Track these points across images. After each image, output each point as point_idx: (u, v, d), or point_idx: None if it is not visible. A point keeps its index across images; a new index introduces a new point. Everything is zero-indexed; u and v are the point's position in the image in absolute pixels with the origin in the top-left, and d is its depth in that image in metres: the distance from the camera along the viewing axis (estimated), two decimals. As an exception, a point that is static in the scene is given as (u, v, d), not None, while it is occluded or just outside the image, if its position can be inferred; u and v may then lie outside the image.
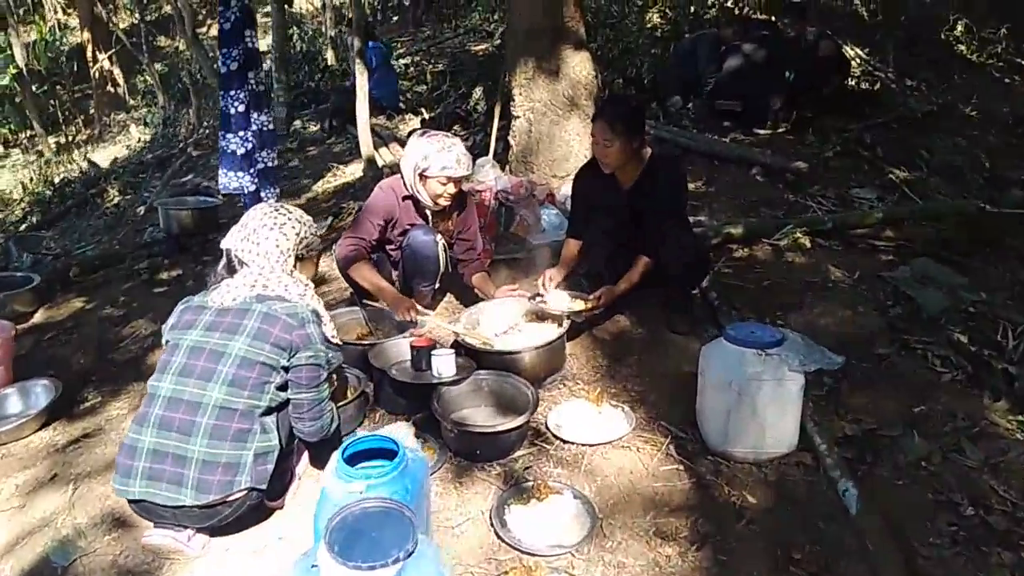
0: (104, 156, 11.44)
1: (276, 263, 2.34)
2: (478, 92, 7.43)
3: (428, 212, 3.53)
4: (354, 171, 6.56)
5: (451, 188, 3.39)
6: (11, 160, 13.25)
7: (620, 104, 3.30)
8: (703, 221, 4.51)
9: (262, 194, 2.72)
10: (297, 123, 8.94)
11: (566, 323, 3.20)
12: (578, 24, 4.73)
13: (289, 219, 2.38)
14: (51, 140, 13.65)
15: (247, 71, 2.47)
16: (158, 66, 15.83)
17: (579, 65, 4.73)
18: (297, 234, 2.38)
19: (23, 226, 8.46)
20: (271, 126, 2.61)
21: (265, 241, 2.34)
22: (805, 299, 3.67)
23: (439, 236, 3.50)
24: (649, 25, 8.57)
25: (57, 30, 16.41)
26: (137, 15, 17.34)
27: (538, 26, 4.66)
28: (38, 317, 4.62)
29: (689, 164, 5.72)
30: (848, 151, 5.80)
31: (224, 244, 2.40)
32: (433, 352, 2.81)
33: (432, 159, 3.30)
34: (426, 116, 7.45)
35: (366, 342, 3.23)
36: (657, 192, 3.28)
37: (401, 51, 11.17)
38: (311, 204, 6.11)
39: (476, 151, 5.93)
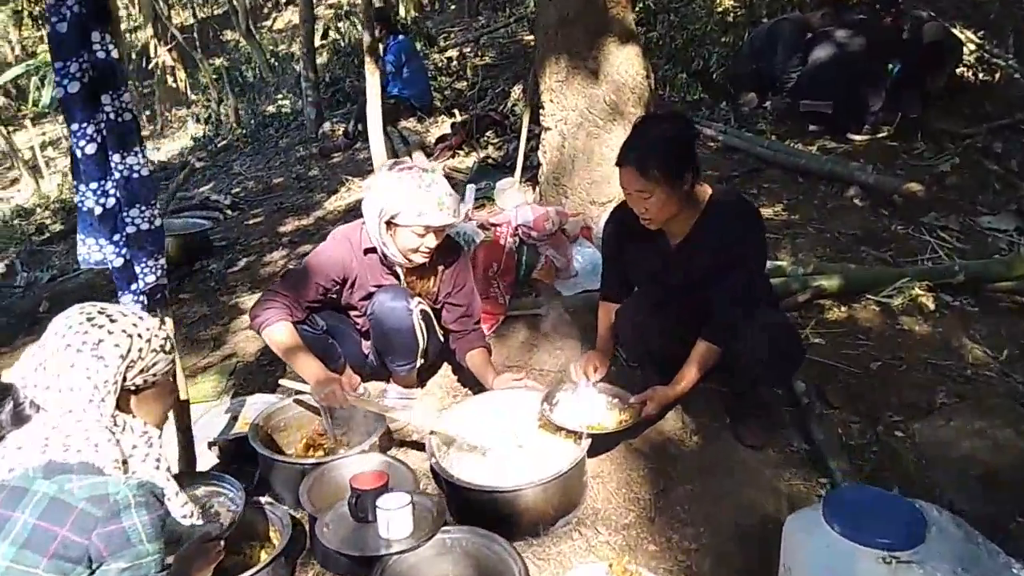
0: (161, 153, 10.94)
1: (88, 406, 1.47)
2: (517, 91, 6.46)
3: (399, 269, 2.62)
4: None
5: (430, 240, 2.48)
6: None
7: (654, 136, 2.19)
8: (783, 266, 3.45)
9: (136, 269, 1.83)
10: (327, 126, 8.17)
11: (586, 442, 2.24)
12: (624, 10, 3.72)
13: (111, 333, 1.50)
14: None
15: (99, 93, 1.57)
16: (219, 61, 15.48)
17: (625, 63, 3.73)
18: (123, 356, 1.50)
19: (43, 236, 7.97)
20: (145, 171, 1.70)
21: (70, 372, 1.47)
22: (934, 395, 2.60)
23: (415, 300, 2.59)
24: (720, 8, 7.40)
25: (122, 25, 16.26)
26: (192, 10, 17.14)
27: (572, 13, 3.67)
28: (-18, 370, 3.93)
29: (765, 182, 4.64)
30: (970, 163, 4.61)
31: (8, 376, 1.54)
32: (380, 504, 1.90)
33: (404, 202, 2.40)
34: (457, 119, 6.54)
35: (307, 460, 2.34)
36: (722, 249, 2.28)
37: (449, 42, 10.28)
38: (319, 226, 5.30)
39: (509, 164, 4.99)
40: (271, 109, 10.91)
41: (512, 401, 2.47)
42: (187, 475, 2.07)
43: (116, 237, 1.86)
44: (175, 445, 2.24)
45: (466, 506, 2.17)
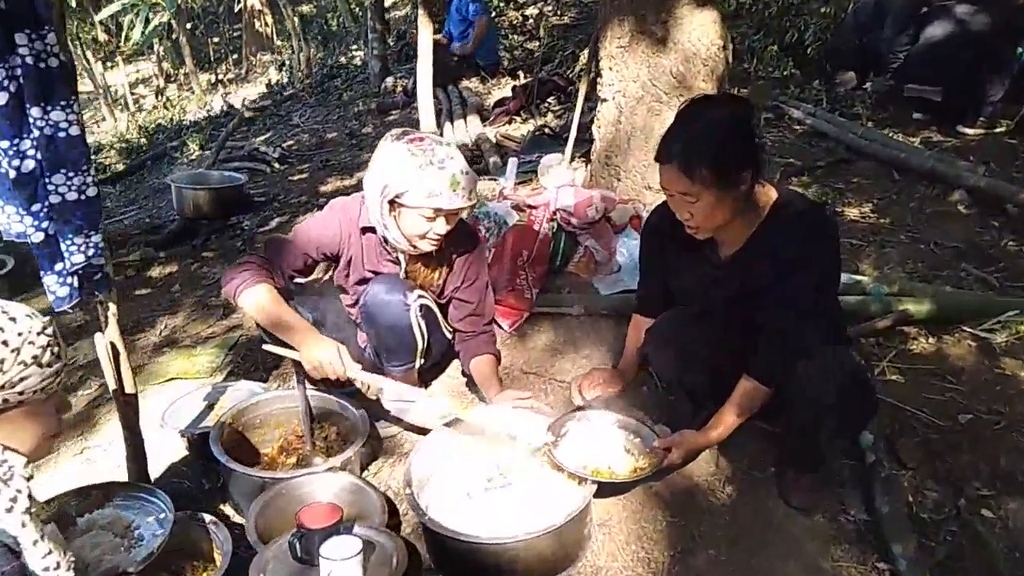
0: (236, 98, 10.87)
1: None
2: (585, 55, 5.95)
3: (400, 255, 2.27)
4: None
5: (440, 226, 2.11)
6: (166, 95, 13.11)
7: (703, 124, 1.72)
8: (862, 282, 2.93)
9: (61, 247, 1.53)
10: (389, 81, 7.84)
11: (591, 488, 1.86)
12: (703, -32, 3.20)
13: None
14: (203, 78, 13.49)
15: (12, 31, 1.26)
16: (306, 8, 15.37)
17: (699, 30, 3.21)
18: None
19: (102, 176, 7.99)
20: (75, 129, 1.39)
21: (-92, 388, 1.18)
22: (1042, 467, 2.09)
23: (415, 294, 2.23)
24: (823, -25, 6.65)
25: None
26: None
27: (641, -31, 3.18)
28: None
29: (854, 176, 4.06)
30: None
31: None
32: (323, 551, 1.57)
33: (413, 179, 2.03)
34: (520, 82, 6.08)
35: (264, 474, 2.03)
36: (783, 266, 1.83)
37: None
38: (360, 187, 4.99)
39: (566, 135, 4.55)
40: (343, 60, 10.68)
41: (512, 424, 2.09)
42: (107, 488, 1.79)
43: (36, 207, 1.56)
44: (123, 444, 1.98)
45: (443, 554, 1.84)
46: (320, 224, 2.23)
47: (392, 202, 2.11)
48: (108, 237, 4.77)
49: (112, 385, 1.84)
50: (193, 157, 7.47)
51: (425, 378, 2.62)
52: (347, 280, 2.32)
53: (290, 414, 2.31)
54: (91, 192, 1.61)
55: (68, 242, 1.60)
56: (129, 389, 1.89)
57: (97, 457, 2.49)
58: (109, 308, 1.79)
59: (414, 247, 2.19)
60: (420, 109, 4.73)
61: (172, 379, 2.87)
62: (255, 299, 2.08)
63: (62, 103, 1.52)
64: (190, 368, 2.92)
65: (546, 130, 4.83)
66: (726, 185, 1.72)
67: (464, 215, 2.24)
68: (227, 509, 2.12)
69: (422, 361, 2.39)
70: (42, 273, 1.63)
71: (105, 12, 13.19)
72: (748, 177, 1.75)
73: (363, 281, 2.29)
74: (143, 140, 9.11)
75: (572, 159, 3.89)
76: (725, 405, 1.93)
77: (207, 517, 1.85)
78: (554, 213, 3.14)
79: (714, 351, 2.00)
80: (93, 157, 8.92)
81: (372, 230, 2.22)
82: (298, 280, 2.34)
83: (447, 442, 2.11)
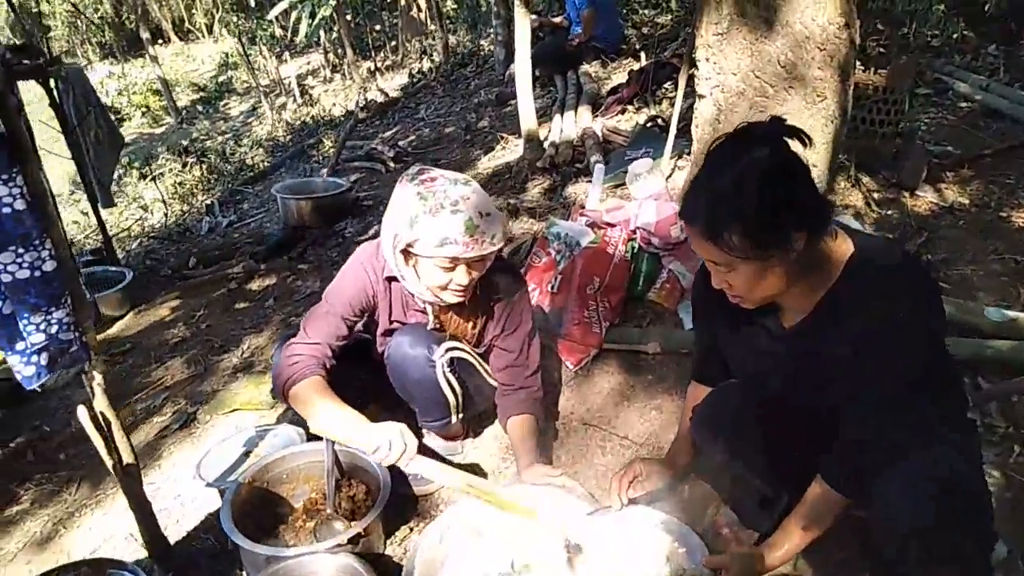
0: (388, 86, 11.08)
1: None
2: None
3: (427, 305, 2.03)
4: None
5: (461, 276, 1.85)
6: (332, 86, 13.68)
7: (733, 176, 1.31)
8: (1021, 320, 2.31)
9: (20, 326, 1.44)
10: (513, 69, 7.57)
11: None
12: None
13: None
14: (365, 65, 13.98)
15: None
16: (461, -8, 15.43)
17: (812, 6, 2.67)
18: None
19: (248, 174, 8.41)
20: (20, 203, 1.29)
21: None
22: None
23: (442, 348, 1.99)
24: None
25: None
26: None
27: (739, -59, 2.68)
28: (116, 327, 4.05)
29: (1010, 171, 3.30)
30: None
31: None
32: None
33: (422, 227, 1.79)
34: (639, 64, 5.60)
35: (269, 550, 1.87)
36: (858, 346, 1.38)
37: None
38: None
39: (681, 127, 4.08)
40: (477, 46, 10.54)
41: (533, 509, 1.79)
42: (97, 566, 1.70)
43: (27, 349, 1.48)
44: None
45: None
46: (349, 279, 2.04)
47: (406, 252, 1.87)
48: (231, 243, 5.02)
49: (106, 458, 1.76)
50: (328, 155, 7.66)
51: (473, 428, 2.40)
52: (380, 328, 2.12)
53: (321, 468, 2.16)
54: (47, 267, 1.50)
55: (25, 321, 1.51)
56: (127, 460, 1.80)
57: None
58: (95, 379, 1.69)
59: (440, 299, 1.94)
60: (519, 103, 4.44)
61: (236, 410, 2.84)
62: (302, 395, 1.94)
63: (3, 177, 1.41)
64: (256, 397, 2.88)
65: (658, 121, 4.37)
66: (767, 252, 1.32)
67: (489, 260, 1.95)
68: None
69: (460, 415, 2.16)
70: (3, 353, 1.55)
71: (277, 8, 13.96)
72: (800, 238, 1.33)
73: (389, 333, 2.08)
74: (288, 138, 9.51)
75: (672, 162, 3.45)
76: (791, 516, 1.52)
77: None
78: (633, 232, 2.77)
79: (776, 442, 1.58)
80: (247, 154, 9.37)
81: (396, 279, 2.00)
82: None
83: (461, 525, 1.86)
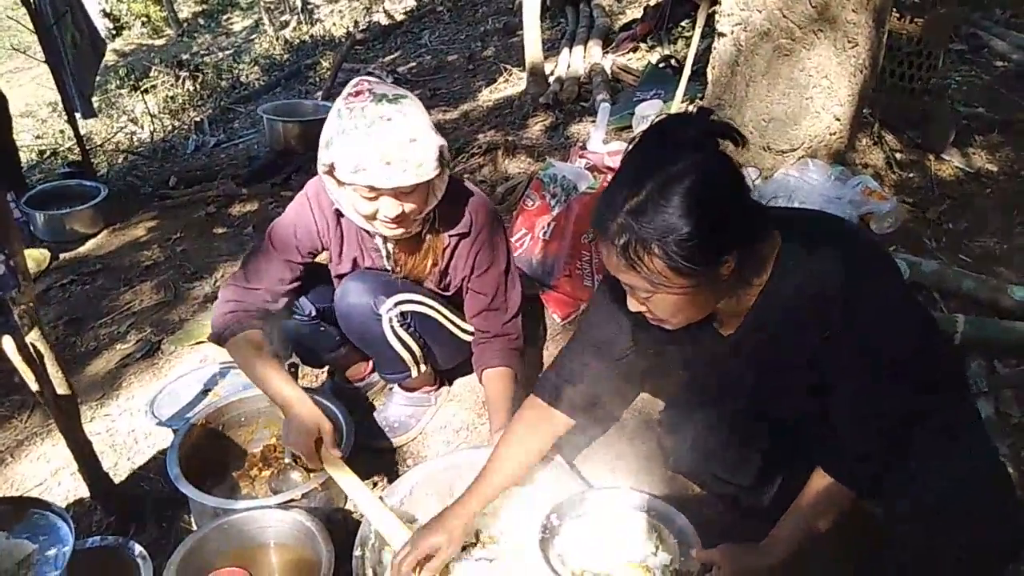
0: (403, 7, 10.55)
1: None
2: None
3: (378, 239, 1.84)
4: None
5: (388, 208, 1.64)
6: (338, 5, 13.06)
7: (654, 187, 1.09)
8: (1012, 290, 2.14)
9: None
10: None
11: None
12: None
13: None
14: None
15: None
16: None
17: (852, -59, 2.42)
18: None
19: (239, 93, 8.08)
20: None
21: None
22: None
23: (391, 301, 1.82)
24: None
25: None
26: None
27: None
28: (88, 245, 3.85)
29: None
30: None
31: None
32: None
33: (338, 149, 1.59)
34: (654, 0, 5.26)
35: (216, 501, 1.72)
36: (818, 336, 1.26)
37: None
38: (461, 122, 4.56)
39: (695, 69, 3.81)
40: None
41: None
42: (19, 505, 1.54)
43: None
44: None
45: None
46: (292, 216, 1.84)
47: (330, 175, 1.67)
48: (213, 165, 4.77)
49: (37, 394, 1.60)
50: (325, 77, 7.33)
51: (448, 376, 2.24)
52: (340, 269, 1.94)
53: (270, 418, 2.01)
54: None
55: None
56: (62, 391, 1.64)
57: (106, 428, 2.36)
58: (25, 306, 1.52)
59: (378, 232, 1.75)
60: (526, 34, 4.16)
61: (201, 342, 2.68)
62: (236, 353, 1.81)
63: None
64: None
65: (671, 62, 4.10)
66: (693, 279, 1.14)
67: (437, 189, 1.72)
68: (193, 524, 1.88)
69: (422, 367, 1.99)
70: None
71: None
72: (732, 258, 1.15)
73: (344, 276, 1.90)
74: (286, 57, 9.13)
75: (683, 106, 3.21)
76: (790, 511, 1.36)
77: (137, 548, 1.61)
78: (636, 180, 2.56)
79: (748, 459, 1.45)
80: (242, 70, 8.97)
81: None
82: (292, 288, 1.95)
83: (429, 483, 1.72)
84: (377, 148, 1.53)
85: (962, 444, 1.27)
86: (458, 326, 1.98)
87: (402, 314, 1.82)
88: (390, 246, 1.85)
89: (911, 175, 2.96)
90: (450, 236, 1.84)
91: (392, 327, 1.81)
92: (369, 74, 5.84)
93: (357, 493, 1.65)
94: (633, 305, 1.25)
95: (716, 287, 1.19)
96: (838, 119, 2.68)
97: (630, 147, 1.17)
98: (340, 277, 1.91)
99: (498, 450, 1.55)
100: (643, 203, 1.09)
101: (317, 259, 1.96)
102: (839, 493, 1.32)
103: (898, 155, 3.04)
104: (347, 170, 1.56)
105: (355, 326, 1.85)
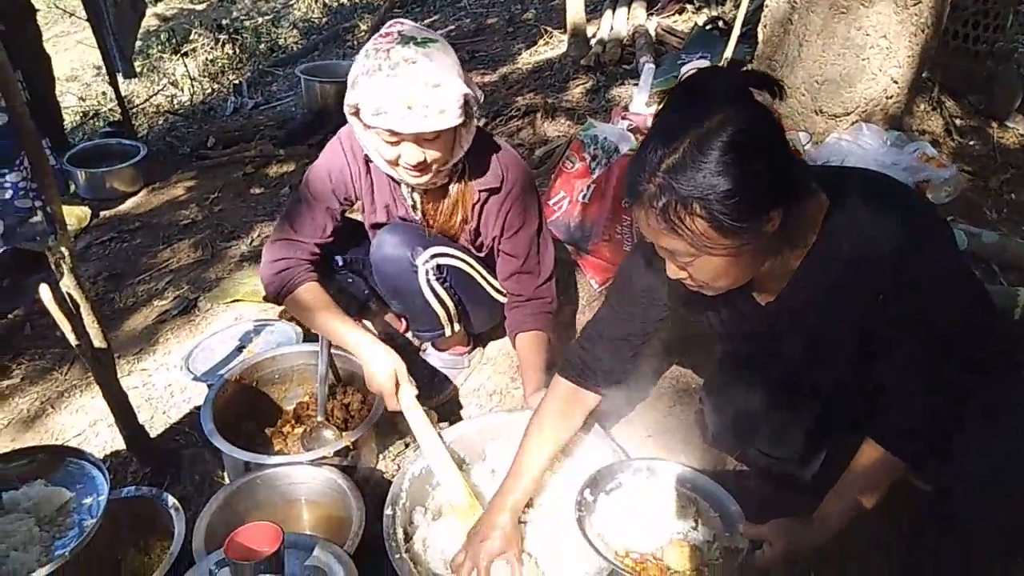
0: None
1: None
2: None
3: (405, 189, 1.81)
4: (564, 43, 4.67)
5: (410, 154, 1.60)
6: None
7: (689, 146, 1.02)
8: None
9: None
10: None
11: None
12: None
13: None
14: None
15: None
16: None
17: None
18: None
19: (277, 55, 8.05)
20: None
21: None
22: None
23: (427, 253, 1.78)
24: None
25: None
26: None
27: None
28: (128, 204, 3.89)
29: None
30: None
31: None
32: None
33: (360, 90, 1.56)
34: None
35: (248, 456, 1.72)
36: (863, 306, 1.20)
37: None
38: (499, 85, 4.46)
39: (745, 30, 3.67)
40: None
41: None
42: (56, 453, 1.55)
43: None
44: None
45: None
46: (327, 162, 1.81)
47: (355, 115, 1.64)
48: (239, 128, 4.79)
49: (74, 343, 1.60)
50: (362, 40, 7.27)
51: (482, 339, 2.21)
52: (371, 220, 1.91)
53: (316, 372, 2.00)
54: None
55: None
56: (99, 344, 1.64)
57: (143, 383, 2.38)
58: (62, 256, 1.51)
59: (403, 179, 1.71)
60: (568, -8, 4.05)
61: (237, 300, 2.68)
62: (301, 303, 1.80)
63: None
64: (260, 288, 2.70)
65: (719, 24, 3.95)
66: (736, 240, 1.07)
67: (463, 139, 1.67)
68: (226, 478, 1.89)
69: (456, 326, 1.96)
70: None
71: None
72: (776, 216, 1.08)
73: (378, 225, 1.87)
74: (324, 20, 9.06)
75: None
76: (841, 483, 1.30)
77: (170, 500, 1.61)
78: (680, 142, 2.47)
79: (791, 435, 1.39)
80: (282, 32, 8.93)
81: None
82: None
83: (460, 447, 1.69)
84: (398, 91, 1.49)
85: (1008, 424, 1.20)
86: (493, 286, 1.94)
87: (439, 267, 1.79)
88: (416, 196, 1.81)
89: (972, 142, 2.81)
90: (480, 191, 1.79)
91: (428, 279, 1.78)
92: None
93: (426, 438, 1.64)
94: (672, 271, 1.19)
95: (760, 247, 1.12)
96: (896, 81, 2.55)
97: (661, 105, 1.11)
98: (375, 227, 1.89)
99: (529, 441, 1.50)
100: (680, 161, 1.03)
101: (349, 213, 1.94)
102: (891, 465, 1.25)
103: (958, 121, 2.90)
104: (369, 112, 1.53)
105: (390, 277, 1.82)
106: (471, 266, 1.86)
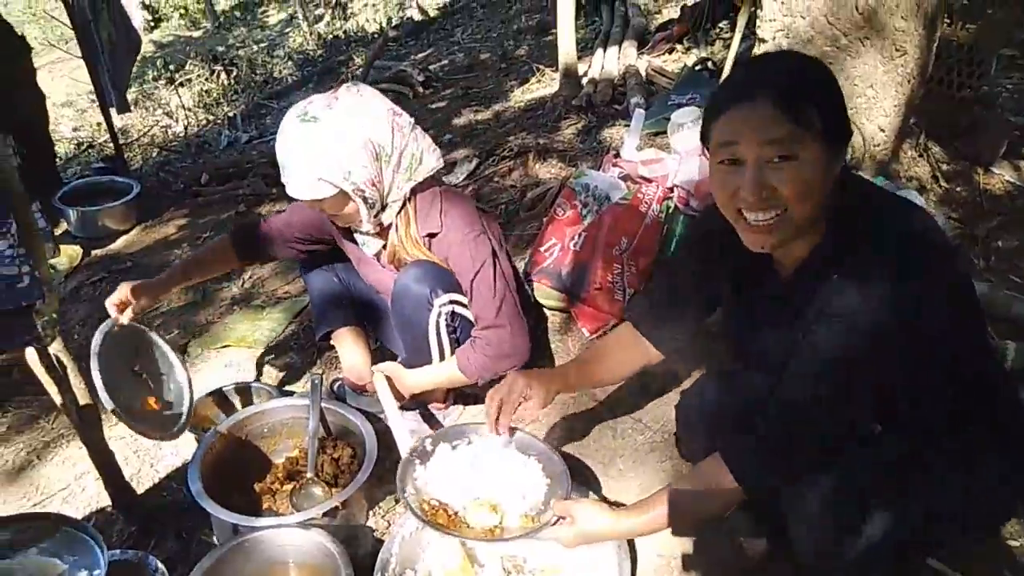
0: (436, 2, 10.49)
1: None
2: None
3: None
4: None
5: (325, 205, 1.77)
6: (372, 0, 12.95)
7: (794, 61, 1.19)
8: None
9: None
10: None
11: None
12: None
13: None
14: None
15: None
16: None
17: (904, -55, 2.32)
18: None
19: (273, 87, 8.11)
20: None
21: None
22: None
23: (445, 297, 1.84)
24: None
25: None
26: None
27: None
28: (120, 242, 3.89)
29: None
30: None
31: None
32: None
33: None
34: (692, 0, 5.15)
35: (235, 518, 1.69)
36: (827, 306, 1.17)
37: None
38: (492, 123, 4.50)
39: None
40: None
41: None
42: (50, 521, 1.53)
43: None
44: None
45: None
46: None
47: None
48: (232, 164, 4.80)
49: (60, 405, 1.59)
50: (357, 74, 7.32)
51: (467, 398, 2.20)
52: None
53: (306, 425, 1.99)
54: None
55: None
56: (84, 401, 1.63)
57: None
58: (47, 317, 1.50)
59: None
60: (559, 33, 4.09)
61: (227, 346, 2.67)
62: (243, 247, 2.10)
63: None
64: (249, 334, 2.71)
65: (709, 65, 4.00)
66: (835, 144, 1.14)
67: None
68: (214, 538, 1.87)
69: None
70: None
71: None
72: (843, 157, 1.18)
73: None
74: (319, 53, 9.14)
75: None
76: (671, 488, 1.31)
77: (156, 564, 1.59)
78: (670, 189, 2.49)
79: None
80: (272, 63, 9.00)
81: None
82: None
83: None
84: (279, 150, 1.67)
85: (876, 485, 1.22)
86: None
87: (452, 314, 1.82)
88: (360, 238, 1.93)
89: (958, 188, 2.84)
90: (428, 236, 1.84)
91: (438, 323, 1.81)
92: (402, 71, 5.82)
93: (392, 412, 1.79)
94: (751, 183, 1.13)
95: (830, 180, 1.14)
96: (883, 130, 2.59)
97: (755, 56, 1.33)
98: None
99: (595, 348, 1.69)
100: (798, 64, 1.17)
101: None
102: (728, 485, 1.24)
103: (944, 167, 2.93)
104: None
105: (405, 307, 1.83)
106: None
